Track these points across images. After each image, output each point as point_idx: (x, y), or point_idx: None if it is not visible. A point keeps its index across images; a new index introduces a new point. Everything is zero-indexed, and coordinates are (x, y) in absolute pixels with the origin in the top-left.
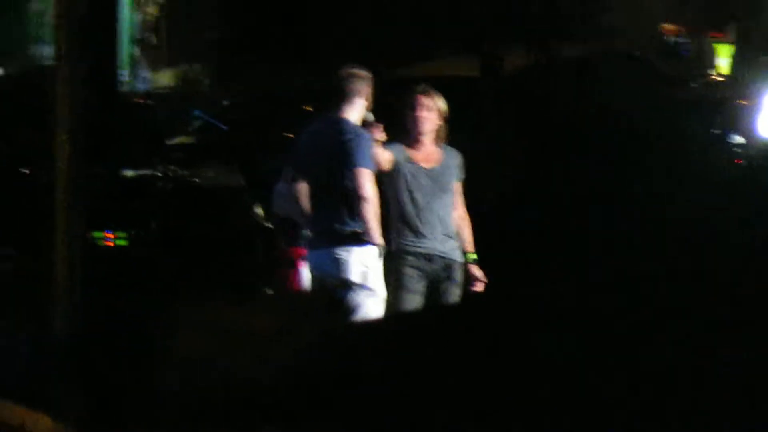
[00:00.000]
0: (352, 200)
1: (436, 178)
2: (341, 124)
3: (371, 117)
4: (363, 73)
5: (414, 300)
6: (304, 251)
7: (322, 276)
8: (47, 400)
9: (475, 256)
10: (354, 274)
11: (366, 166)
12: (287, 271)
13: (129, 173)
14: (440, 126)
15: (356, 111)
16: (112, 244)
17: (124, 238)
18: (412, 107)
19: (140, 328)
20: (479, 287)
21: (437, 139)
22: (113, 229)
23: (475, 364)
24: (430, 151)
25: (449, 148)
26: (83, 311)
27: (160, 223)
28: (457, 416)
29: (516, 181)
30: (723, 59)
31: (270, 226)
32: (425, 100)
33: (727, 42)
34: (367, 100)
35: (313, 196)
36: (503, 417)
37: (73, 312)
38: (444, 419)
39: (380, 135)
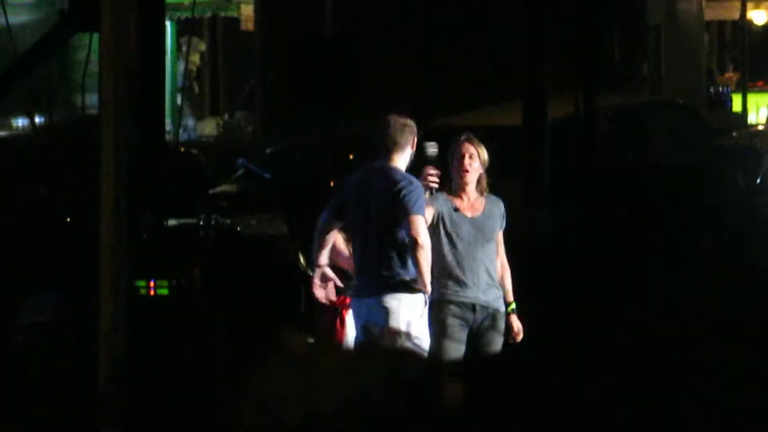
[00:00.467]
0: (404, 248)
1: (479, 226)
2: (393, 172)
3: (434, 150)
4: (411, 122)
5: (457, 349)
6: (348, 299)
7: (368, 325)
8: None
9: (514, 306)
10: (403, 323)
11: (420, 213)
12: (332, 319)
13: (173, 222)
14: (482, 174)
15: (405, 159)
16: (153, 293)
17: (165, 287)
18: (455, 156)
19: (189, 376)
20: (518, 337)
21: (480, 188)
22: (155, 278)
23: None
24: (473, 200)
25: (492, 196)
26: (128, 362)
27: (203, 271)
28: None
29: (559, 227)
30: (765, 108)
31: (311, 274)
32: (469, 148)
33: None
34: (413, 149)
35: (361, 244)
36: None
37: (116, 362)
38: None
39: (435, 174)
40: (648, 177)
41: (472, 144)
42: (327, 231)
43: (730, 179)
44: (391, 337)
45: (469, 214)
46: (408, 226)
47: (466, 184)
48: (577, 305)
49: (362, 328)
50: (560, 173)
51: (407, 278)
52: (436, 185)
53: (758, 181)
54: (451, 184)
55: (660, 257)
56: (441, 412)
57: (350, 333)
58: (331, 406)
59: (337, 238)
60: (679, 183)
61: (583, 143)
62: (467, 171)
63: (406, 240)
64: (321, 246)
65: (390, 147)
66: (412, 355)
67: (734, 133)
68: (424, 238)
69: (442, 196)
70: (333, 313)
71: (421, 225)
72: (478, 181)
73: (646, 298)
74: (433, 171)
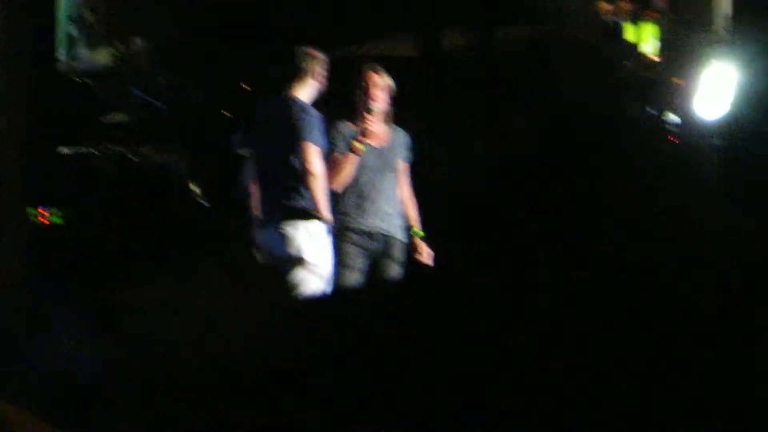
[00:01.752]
0: (301, 176)
1: (383, 156)
2: (291, 102)
3: (373, 108)
4: (317, 53)
5: (353, 277)
6: (252, 229)
7: (270, 253)
8: None
9: (422, 233)
10: (300, 250)
11: (314, 142)
12: (235, 248)
13: (66, 151)
14: (388, 105)
15: (308, 90)
16: (47, 222)
17: (59, 216)
18: (361, 86)
19: (81, 306)
20: (426, 260)
21: (386, 118)
22: (48, 206)
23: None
24: (378, 130)
25: (398, 128)
26: (27, 292)
27: (97, 200)
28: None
29: (458, 159)
30: (657, 39)
31: (206, 204)
32: (375, 79)
33: (661, 21)
34: (319, 81)
35: (263, 174)
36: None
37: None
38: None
39: (369, 125)
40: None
41: (377, 74)
42: (233, 163)
43: (626, 111)
44: (291, 264)
45: (374, 144)
46: (301, 155)
47: (372, 113)
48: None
49: (266, 257)
50: (461, 105)
51: (304, 206)
52: (370, 132)
53: (652, 111)
54: (356, 113)
55: (566, 192)
56: (321, 337)
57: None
58: (205, 329)
59: None
60: (582, 119)
61: (482, 75)
62: (372, 101)
63: (303, 169)
64: (232, 181)
65: (292, 77)
66: (301, 284)
67: (627, 64)
68: (316, 167)
69: (346, 125)
70: (239, 242)
71: (312, 152)
72: (383, 111)
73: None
74: (368, 121)
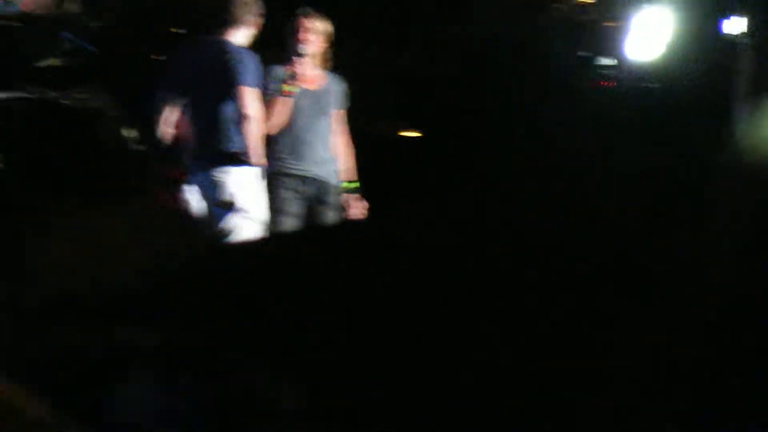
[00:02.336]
0: (235, 121)
1: (317, 99)
2: (224, 44)
3: (302, 51)
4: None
5: (288, 222)
6: (183, 174)
7: (202, 199)
8: None
9: (356, 185)
10: (231, 195)
11: (250, 85)
12: (165, 194)
13: None
14: (326, 49)
15: (241, 36)
16: None
17: None
18: (295, 30)
19: None
20: (357, 213)
21: (322, 63)
22: None
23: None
24: (313, 74)
25: (334, 74)
26: None
27: (26, 144)
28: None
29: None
30: None
31: (138, 147)
32: (308, 23)
33: None
34: (253, 25)
35: (193, 118)
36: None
37: None
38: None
39: (298, 67)
40: (480, 52)
41: (308, 17)
42: (163, 107)
43: (557, 53)
44: (223, 209)
45: (307, 87)
46: (238, 98)
47: (302, 56)
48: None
49: (198, 202)
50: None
51: (237, 150)
52: (297, 73)
53: (584, 54)
54: (292, 57)
55: (491, 128)
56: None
57: (184, 207)
58: (125, 274)
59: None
60: (510, 58)
61: (402, 11)
62: (306, 45)
63: (237, 112)
64: (162, 125)
65: (227, 21)
66: (234, 229)
67: (556, 6)
68: (253, 110)
69: (280, 69)
70: (169, 187)
71: (249, 96)
72: (321, 56)
73: (477, 169)
74: (296, 63)
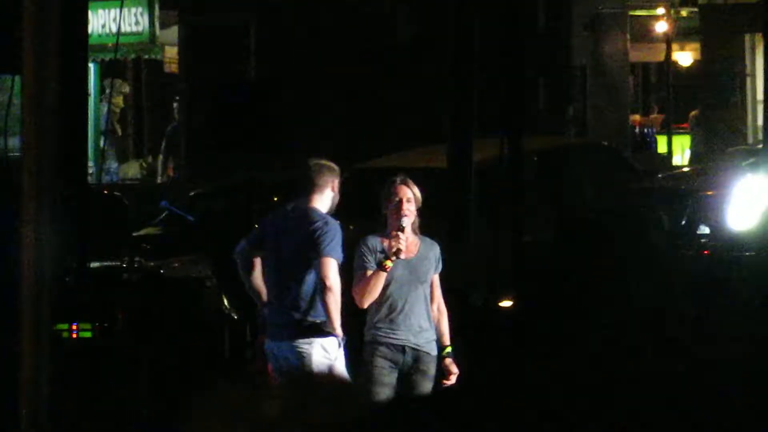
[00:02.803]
0: (316, 290)
1: (412, 268)
2: (310, 212)
3: (406, 224)
4: (333, 165)
5: (384, 392)
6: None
7: (284, 368)
8: None
9: (450, 350)
10: (315, 366)
11: (333, 256)
12: (264, 363)
13: (95, 264)
14: (416, 216)
15: (325, 201)
16: (75, 336)
17: (88, 330)
18: (391, 198)
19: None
20: (452, 381)
21: (414, 228)
22: (78, 321)
23: None
24: (408, 244)
25: (428, 239)
26: (49, 408)
27: (126, 314)
28: None
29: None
30: (689, 150)
31: (235, 315)
32: (406, 192)
33: (694, 133)
34: (334, 191)
35: (275, 284)
36: None
37: (39, 409)
38: None
39: (401, 244)
40: (573, 222)
41: (408, 186)
42: (244, 258)
43: (655, 222)
44: (303, 379)
45: (402, 256)
46: (318, 268)
47: (403, 229)
48: (510, 355)
49: (277, 371)
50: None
51: (318, 321)
52: (401, 250)
53: (683, 223)
54: (386, 225)
55: (588, 302)
56: None
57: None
58: None
59: None
60: (605, 227)
61: (509, 186)
62: (405, 216)
63: (318, 282)
64: (247, 276)
65: (309, 189)
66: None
67: (659, 175)
68: (333, 281)
69: (374, 238)
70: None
71: (330, 267)
72: (412, 223)
73: (574, 348)
74: (400, 239)
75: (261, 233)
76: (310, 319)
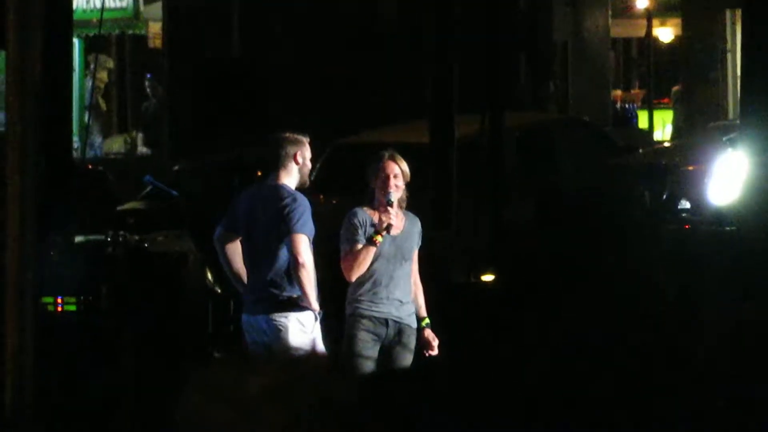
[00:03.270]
0: (289, 265)
1: (399, 244)
2: (278, 189)
3: (393, 198)
4: (296, 136)
5: (367, 365)
6: None
7: (260, 342)
8: None
9: (428, 321)
10: (292, 340)
11: (303, 232)
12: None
13: (80, 239)
14: (404, 192)
15: (292, 175)
16: (60, 309)
17: (72, 304)
18: (379, 173)
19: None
20: (434, 351)
21: (401, 204)
22: (63, 295)
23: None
24: (396, 220)
25: (411, 214)
26: (34, 381)
27: (111, 288)
28: None
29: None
30: (670, 125)
31: (218, 290)
32: (394, 167)
33: (673, 108)
34: (299, 163)
35: (250, 261)
36: None
37: (24, 382)
38: None
39: (392, 219)
40: (554, 197)
41: (396, 161)
42: (222, 244)
43: (636, 197)
44: (282, 354)
45: (391, 232)
46: (290, 244)
47: (392, 204)
48: (489, 326)
49: (253, 344)
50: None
51: (294, 296)
52: (392, 225)
53: (664, 198)
54: (373, 199)
55: (569, 278)
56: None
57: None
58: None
59: None
60: (585, 203)
61: (490, 162)
62: (393, 191)
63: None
64: (227, 262)
65: (274, 164)
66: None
67: (640, 151)
68: (305, 256)
69: (364, 212)
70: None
71: (302, 243)
72: (399, 198)
73: (558, 319)
74: (387, 215)
75: (233, 214)
76: (285, 294)
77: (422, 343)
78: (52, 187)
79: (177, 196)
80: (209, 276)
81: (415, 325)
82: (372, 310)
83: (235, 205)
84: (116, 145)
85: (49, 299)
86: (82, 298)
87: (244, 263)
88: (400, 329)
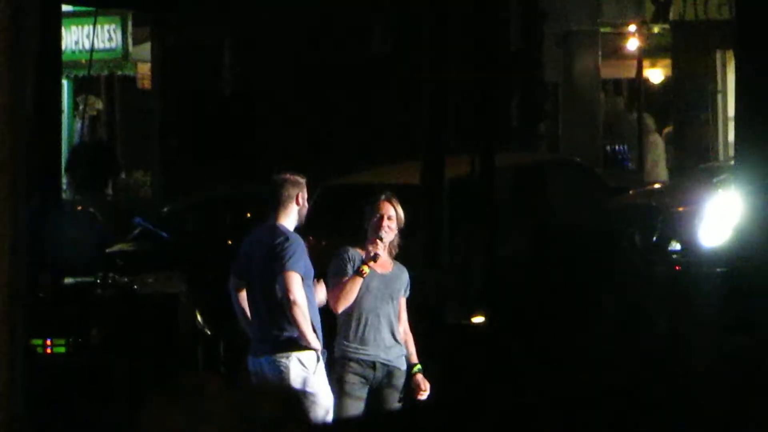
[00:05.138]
0: (284, 306)
1: (387, 283)
2: (275, 230)
3: (384, 235)
4: (295, 177)
5: (356, 407)
6: None
7: (266, 385)
8: None
9: (419, 367)
10: (295, 381)
11: (293, 270)
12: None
13: (69, 280)
14: (397, 237)
15: (291, 216)
16: (49, 351)
17: (62, 345)
18: (374, 214)
19: None
20: (423, 395)
21: (391, 247)
22: (52, 336)
23: None
24: (384, 258)
25: (398, 263)
26: (23, 423)
27: (100, 329)
28: None
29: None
30: (662, 166)
31: (208, 331)
32: (389, 209)
33: (666, 150)
34: (299, 204)
35: (252, 302)
36: None
37: (14, 425)
38: None
39: (379, 250)
40: (547, 237)
41: (392, 204)
42: (235, 291)
43: (627, 238)
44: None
45: (379, 270)
46: (281, 283)
47: (382, 240)
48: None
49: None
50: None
51: (295, 336)
52: (378, 256)
53: (654, 239)
54: (365, 240)
55: (562, 317)
56: None
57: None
58: None
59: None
60: (577, 245)
61: (482, 202)
62: (385, 231)
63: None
64: (239, 308)
65: (274, 205)
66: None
67: (631, 192)
68: (296, 294)
69: (354, 249)
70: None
71: (293, 281)
72: (391, 242)
73: (550, 360)
74: (378, 246)
75: (239, 259)
76: (286, 334)
77: (413, 387)
78: (42, 228)
79: (167, 237)
80: (199, 318)
81: (404, 367)
82: (359, 353)
83: (240, 249)
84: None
85: (39, 341)
86: (71, 339)
87: (248, 304)
88: (389, 372)
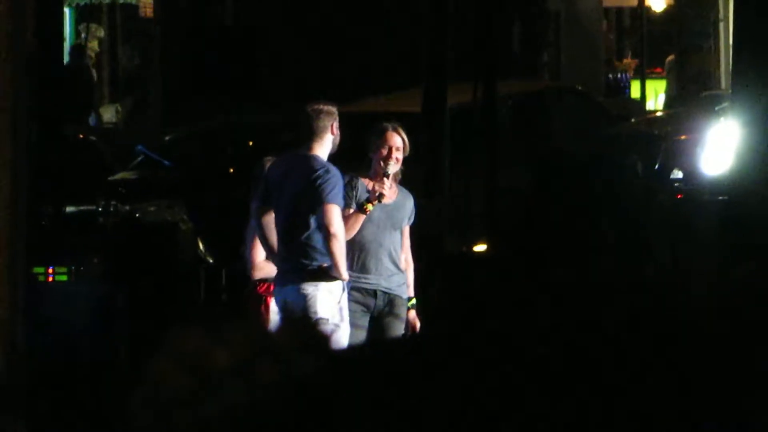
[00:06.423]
0: (321, 236)
1: (389, 213)
2: (311, 160)
3: (392, 171)
4: (331, 108)
5: (358, 335)
6: (273, 286)
7: (291, 312)
8: None
9: (414, 302)
10: (320, 309)
11: (335, 202)
12: (258, 306)
13: (71, 209)
14: (401, 164)
15: (326, 146)
16: (51, 279)
17: (64, 273)
18: (380, 144)
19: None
20: (414, 331)
21: (396, 177)
22: (54, 265)
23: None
24: (390, 191)
25: (405, 189)
26: (26, 350)
27: (102, 258)
28: None
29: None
30: (663, 95)
31: (211, 260)
32: (396, 140)
33: (667, 77)
34: (334, 134)
35: (282, 232)
36: None
37: (15, 351)
38: None
39: (385, 189)
40: (549, 164)
41: (399, 134)
42: (258, 216)
43: (628, 166)
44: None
45: (384, 201)
46: (321, 215)
47: (388, 177)
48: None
49: (286, 315)
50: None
51: (325, 265)
52: (384, 195)
53: (657, 167)
54: (370, 169)
55: (563, 242)
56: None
57: (275, 319)
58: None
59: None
60: (578, 170)
61: (484, 129)
62: (392, 164)
63: (323, 229)
64: (262, 235)
65: (308, 135)
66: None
67: (633, 120)
68: (337, 227)
69: (359, 179)
70: (258, 299)
71: (334, 214)
72: (396, 171)
73: (551, 283)
74: (381, 186)
75: (265, 186)
76: (316, 263)
77: (410, 320)
78: (44, 156)
79: (169, 165)
80: (200, 246)
81: (405, 295)
82: (360, 282)
83: (267, 176)
84: (107, 114)
85: (41, 269)
86: (73, 268)
87: (276, 233)
88: (390, 300)
